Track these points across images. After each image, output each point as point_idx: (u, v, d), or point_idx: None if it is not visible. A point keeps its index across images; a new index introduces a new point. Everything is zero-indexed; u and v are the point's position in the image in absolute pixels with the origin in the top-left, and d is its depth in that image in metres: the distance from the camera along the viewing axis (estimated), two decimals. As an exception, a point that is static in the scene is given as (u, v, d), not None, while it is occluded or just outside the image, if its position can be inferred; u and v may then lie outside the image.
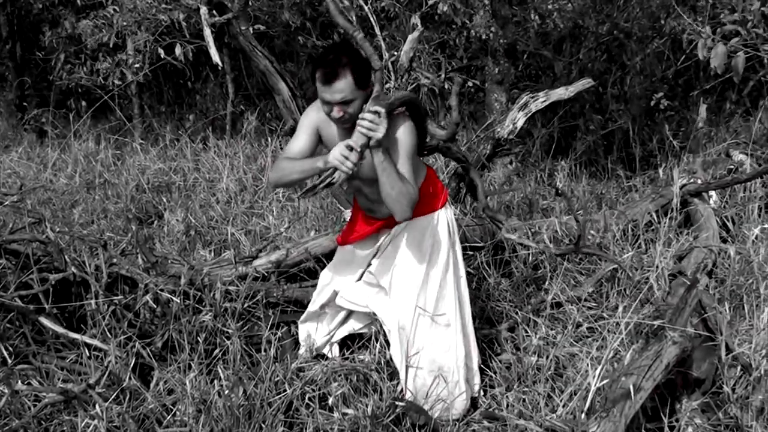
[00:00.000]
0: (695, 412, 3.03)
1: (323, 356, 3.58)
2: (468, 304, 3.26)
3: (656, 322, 3.34)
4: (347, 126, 2.81)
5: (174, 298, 3.54)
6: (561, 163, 6.61)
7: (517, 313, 3.81)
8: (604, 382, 2.91)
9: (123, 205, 5.69)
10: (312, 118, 2.99)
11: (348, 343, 3.65)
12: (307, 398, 3.17)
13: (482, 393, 3.30)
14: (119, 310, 3.47)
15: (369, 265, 3.33)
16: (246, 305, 3.82)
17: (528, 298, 4.06)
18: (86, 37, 7.44)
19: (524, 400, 3.19)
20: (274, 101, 4.97)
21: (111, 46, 7.42)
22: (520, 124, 4.68)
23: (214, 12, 5.00)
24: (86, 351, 3.22)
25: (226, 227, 5.01)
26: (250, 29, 5.06)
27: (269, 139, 7.05)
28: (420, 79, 6.79)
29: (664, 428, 2.98)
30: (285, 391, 3.13)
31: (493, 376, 3.40)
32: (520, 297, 4.05)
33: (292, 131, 4.57)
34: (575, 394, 3.09)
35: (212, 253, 4.59)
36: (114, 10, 7.21)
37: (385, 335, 3.39)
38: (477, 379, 3.26)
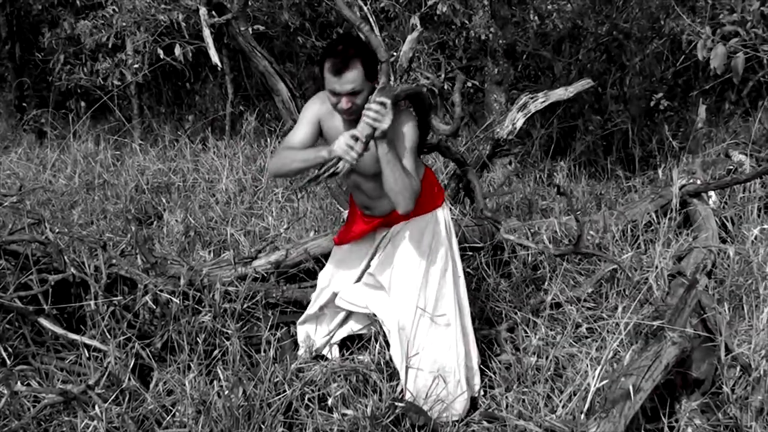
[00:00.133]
0: (695, 412, 3.03)
1: (323, 357, 3.58)
2: (467, 303, 3.26)
3: (656, 323, 3.34)
4: (352, 118, 2.80)
5: (173, 299, 3.54)
6: (560, 163, 6.62)
7: (516, 314, 3.81)
8: (604, 382, 2.91)
9: (122, 205, 5.69)
10: (314, 110, 2.98)
11: (347, 343, 3.65)
12: (306, 399, 3.17)
13: (482, 393, 3.30)
14: (119, 311, 3.47)
15: (368, 266, 3.33)
16: (245, 306, 3.82)
17: (527, 298, 4.06)
18: (85, 37, 7.43)
19: (524, 401, 3.18)
20: (274, 102, 4.96)
21: (110, 46, 7.42)
22: (519, 124, 4.68)
23: (213, 12, 4.99)
24: (86, 352, 3.22)
25: (225, 228, 5.01)
26: (250, 30, 5.06)
27: (268, 139, 7.06)
28: (419, 80, 6.78)
29: (664, 429, 2.97)
30: (284, 391, 3.13)
31: (493, 376, 3.40)
32: (519, 297, 4.05)
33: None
34: (575, 395, 3.09)
35: (211, 254, 4.59)
36: (113, 10, 7.21)
37: (384, 336, 3.39)
38: (477, 379, 3.26)
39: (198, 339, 3.41)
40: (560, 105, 6.72)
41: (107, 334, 3.35)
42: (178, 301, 3.55)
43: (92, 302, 3.42)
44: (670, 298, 3.74)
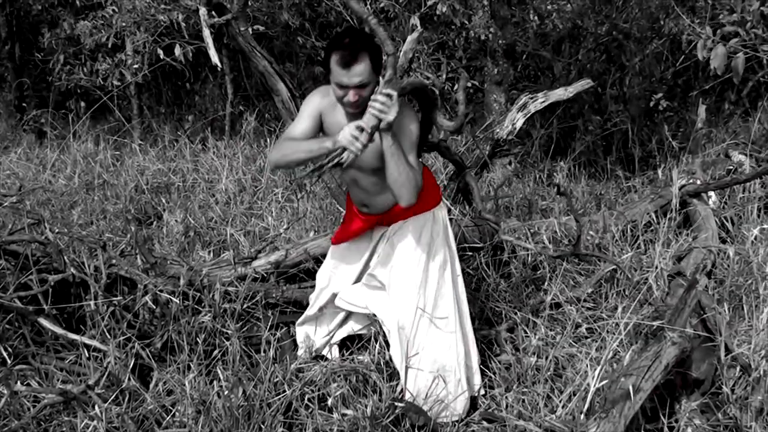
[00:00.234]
0: (694, 412, 3.03)
1: (322, 357, 3.58)
2: (465, 302, 3.26)
3: (655, 323, 3.34)
4: (357, 111, 2.78)
5: (173, 299, 3.54)
6: (560, 163, 6.62)
7: (516, 314, 3.81)
8: (604, 382, 2.91)
9: (122, 205, 5.69)
10: (315, 103, 2.97)
11: (347, 343, 3.65)
12: (306, 399, 3.17)
13: (482, 393, 3.30)
14: (118, 311, 3.47)
15: (367, 266, 3.33)
16: (245, 306, 3.82)
17: (527, 298, 4.06)
18: (85, 37, 7.43)
19: (523, 401, 3.18)
20: (273, 102, 4.96)
21: (110, 46, 7.42)
22: (519, 124, 4.69)
23: (213, 13, 4.99)
24: (85, 352, 3.22)
25: (225, 228, 5.01)
26: (249, 30, 5.06)
27: (268, 139, 7.06)
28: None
29: (664, 429, 2.97)
30: (284, 391, 3.13)
31: (493, 376, 3.40)
32: (519, 298, 4.05)
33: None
34: (574, 395, 3.09)
35: (211, 254, 4.59)
36: (113, 10, 7.20)
37: (384, 336, 3.39)
38: (477, 379, 3.26)
39: (198, 339, 3.41)
40: (560, 105, 6.71)
41: (107, 334, 3.35)
42: (178, 301, 3.55)
43: (92, 302, 3.42)
44: (670, 298, 3.75)
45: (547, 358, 3.39)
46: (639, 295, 3.83)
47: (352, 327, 3.60)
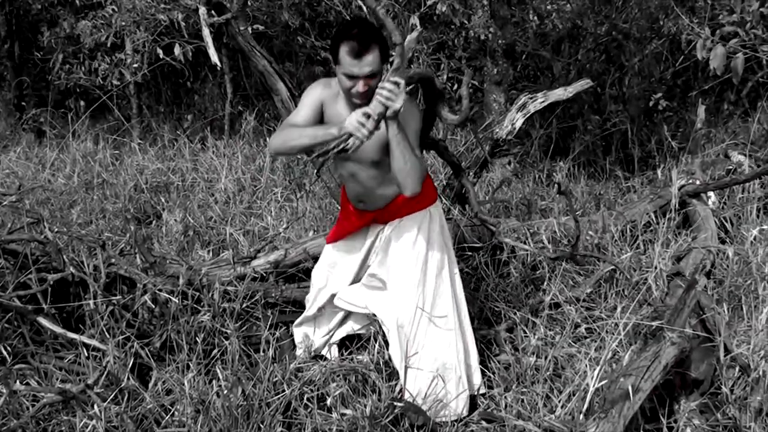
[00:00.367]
0: (694, 412, 3.03)
1: (322, 357, 3.58)
2: (464, 301, 3.26)
3: (655, 323, 3.34)
4: (364, 102, 2.78)
5: (172, 298, 3.54)
6: (559, 163, 6.61)
7: (515, 314, 3.81)
8: (603, 382, 2.90)
9: (121, 205, 5.69)
10: (317, 93, 2.97)
11: (347, 343, 3.65)
12: (305, 399, 3.17)
13: (482, 393, 3.29)
14: (118, 310, 3.47)
15: (363, 265, 3.33)
16: (244, 305, 3.82)
17: (526, 298, 4.06)
18: (85, 37, 7.42)
19: (523, 401, 3.18)
20: (273, 101, 4.96)
21: (109, 46, 7.41)
22: (518, 124, 4.68)
23: (212, 12, 4.99)
24: (84, 351, 3.22)
25: (224, 227, 5.01)
26: (249, 29, 5.05)
27: (267, 139, 7.04)
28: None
29: (663, 429, 2.97)
30: (283, 391, 3.13)
31: (492, 376, 3.40)
32: (518, 297, 4.05)
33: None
34: (574, 395, 3.09)
35: (211, 254, 4.59)
36: (113, 10, 7.20)
37: (383, 335, 3.39)
38: (477, 377, 3.26)
39: (197, 338, 3.41)
40: (559, 105, 6.71)
41: (106, 333, 3.35)
42: (177, 301, 3.55)
43: (91, 301, 3.42)
44: (669, 298, 3.75)
45: (546, 358, 3.39)
46: (638, 296, 3.83)
47: (352, 327, 3.59)
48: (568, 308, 3.86)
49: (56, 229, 4.11)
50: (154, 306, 3.56)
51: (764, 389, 3.08)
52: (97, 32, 7.32)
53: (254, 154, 6.97)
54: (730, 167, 5.79)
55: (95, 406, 2.84)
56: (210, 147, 7.15)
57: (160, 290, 3.58)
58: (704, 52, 4.32)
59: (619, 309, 3.66)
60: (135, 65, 7.75)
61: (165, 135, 7.81)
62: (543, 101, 4.68)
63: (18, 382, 3.01)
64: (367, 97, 2.74)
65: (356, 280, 3.39)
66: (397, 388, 3.19)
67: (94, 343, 3.25)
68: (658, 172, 6.06)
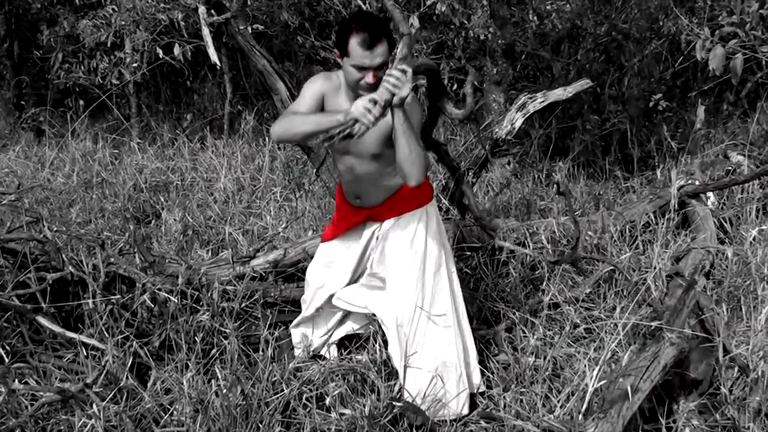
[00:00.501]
0: (692, 413, 3.03)
1: (321, 356, 3.57)
2: (461, 299, 3.26)
3: (654, 323, 3.34)
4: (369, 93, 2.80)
5: (171, 298, 3.54)
6: (559, 163, 6.61)
7: (514, 314, 3.81)
8: (602, 382, 2.90)
9: (120, 204, 5.69)
10: (318, 85, 2.97)
11: (345, 343, 3.64)
12: (304, 398, 3.17)
13: (482, 391, 3.29)
14: (117, 310, 3.47)
15: (359, 264, 3.33)
16: (243, 305, 3.82)
17: (525, 298, 4.06)
18: (84, 36, 7.42)
19: (522, 401, 3.18)
20: (272, 101, 4.96)
21: (109, 45, 7.41)
22: (518, 124, 4.67)
23: (212, 11, 4.99)
24: (83, 350, 3.22)
25: (223, 227, 5.00)
26: (249, 29, 5.05)
27: (267, 138, 7.05)
28: (418, 79, 6.78)
29: (662, 429, 2.98)
30: (282, 391, 3.13)
31: (491, 376, 3.40)
32: (517, 298, 4.05)
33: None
34: (573, 395, 3.09)
35: (210, 253, 4.59)
36: (112, 9, 7.20)
37: (383, 335, 3.39)
38: (477, 376, 3.26)
39: (196, 338, 3.41)
40: (559, 105, 6.71)
41: (105, 332, 3.35)
42: (176, 300, 3.55)
43: (90, 301, 3.42)
44: (669, 298, 3.75)
45: (545, 358, 3.39)
46: (638, 296, 3.83)
47: (351, 326, 3.59)
48: (567, 308, 3.86)
49: (55, 229, 4.11)
50: (153, 305, 3.56)
51: (763, 390, 3.08)
52: (97, 31, 7.32)
53: (253, 153, 6.97)
54: (730, 168, 5.79)
55: (94, 406, 2.84)
56: (209, 146, 7.15)
57: (159, 290, 3.58)
58: (704, 52, 4.32)
59: (618, 309, 3.66)
60: (134, 64, 7.76)
61: (164, 134, 7.81)
62: (542, 101, 4.67)
63: (17, 381, 3.01)
64: (374, 89, 2.74)
65: (353, 278, 3.39)
66: (396, 388, 3.18)
67: (93, 342, 3.25)
68: (658, 172, 6.06)
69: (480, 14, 6.99)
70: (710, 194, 5.19)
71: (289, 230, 4.87)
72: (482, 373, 3.35)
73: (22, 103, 9.44)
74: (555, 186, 5.83)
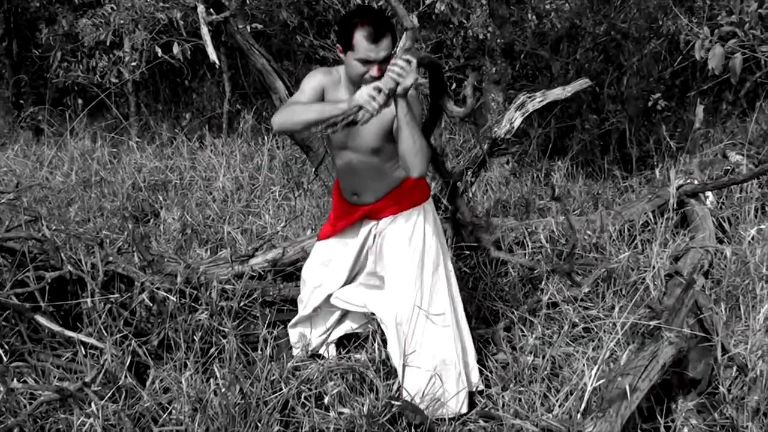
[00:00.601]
0: (691, 412, 3.04)
1: (319, 356, 3.57)
2: (459, 298, 3.26)
3: (652, 323, 3.34)
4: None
5: (170, 297, 3.54)
6: (557, 163, 6.61)
7: (513, 313, 3.81)
8: (601, 382, 2.91)
9: (119, 203, 5.69)
10: (318, 79, 2.97)
11: (344, 342, 3.64)
12: (303, 397, 3.16)
13: (480, 389, 3.30)
14: (115, 309, 3.47)
15: (356, 263, 3.33)
16: (242, 304, 3.82)
17: (524, 297, 4.06)
18: (83, 35, 7.42)
19: (520, 400, 3.18)
20: (271, 100, 4.96)
21: (108, 44, 7.40)
22: (517, 123, 4.67)
23: (211, 10, 4.98)
24: (82, 349, 3.22)
25: (222, 226, 5.00)
26: (248, 28, 5.06)
27: (266, 138, 7.05)
28: (417, 79, 6.77)
29: (660, 428, 2.98)
30: (281, 390, 3.13)
31: (489, 375, 3.40)
32: (516, 297, 4.05)
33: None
34: (571, 394, 3.09)
35: (208, 252, 4.58)
36: (111, 8, 7.19)
37: (381, 334, 3.39)
38: (475, 375, 3.26)
39: (195, 337, 3.40)
40: (558, 104, 6.72)
41: (104, 331, 3.34)
42: (175, 299, 3.55)
43: (89, 300, 3.42)
44: (667, 298, 3.75)
45: (544, 357, 3.39)
46: (636, 295, 3.83)
47: (349, 325, 3.58)
48: (565, 307, 3.86)
49: (54, 227, 4.11)
50: (151, 304, 3.56)
51: (761, 389, 3.08)
52: (96, 30, 7.31)
53: (252, 152, 6.97)
54: (728, 167, 5.80)
55: (92, 405, 2.84)
56: (208, 145, 7.14)
57: (157, 288, 3.58)
58: (703, 52, 4.32)
59: (616, 308, 3.66)
60: (133, 63, 7.75)
61: (163, 133, 7.81)
62: (541, 100, 4.66)
63: (15, 380, 3.01)
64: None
65: (350, 276, 3.38)
66: (395, 387, 3.18)
67: (91, 341, 3.25)
68: (656, 171, 6.06)
69: (479, 13, 6.97)
70: (709, 194, 5.19)
71: (288, 229, 4.87)
72: (480, 372, 3.35)
73: (21, 101, 9.44)
74: (550, 191, 5.83)
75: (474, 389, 3.25)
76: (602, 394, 2.81)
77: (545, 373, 3.32)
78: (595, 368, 2.94)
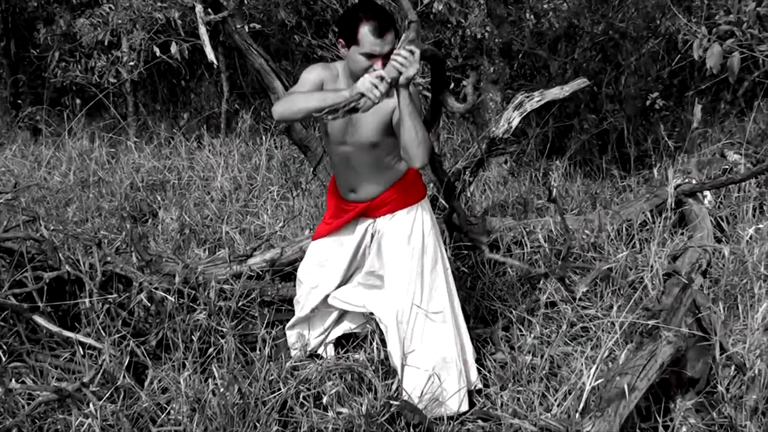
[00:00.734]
0: (689, 411, 3.04)
1: (317, 356, 3.57)
2: (456, 295, 3.26)
3: (651, 322, 3.35)
4: None
5: (168, 297, 3.54)
6: (556, 162, 6.61)
7: (511, 313, 3.81)
8: (599, 381, 2.91)
9: (117, 203, 5.68)
10: (317, 73, 2.97)
11: (342, 342, 3.64)
12: (301, 397, 3.16)
13: (479, 387, 3.30)
14: (113, 309, 3.47)
15: (353, 262, 3.33)
16: (240, 304, 3.82)
17: (522, 297, 4.06)
18: (81, 35, 7.41)
19: (519, 399, 3.19)
20: (269, 100, 4.95)
21: (106, 44, 7.40)
22: (515, 123, 4.67)
23: (209, 10, 4.98)
24: (80, 349, 3.21)
25: (220, 226, 5.00)
26: (246, 27, 5.05)
27: (264, 137, 7.05)
28: (416, 78, 6.78)
29: (659, 428, 2.98)
30: (279, 390, 3.12)
31: (488, 375, 3.40)
32: (514, 296, 4.05)
33: (286, 130, 4.57)
34: (570, 394, 3.09)
35: (207, 252, 4.58)
36: (109, 8, 7.19)
37: (380, 334, 3.39)
38: (474, 373, 3.26)
39: (193, 337, 3.40)
40: (556, 104, 6.72)
41: (102, 331, 3.34)
42: (173, 299, 3.54)
43: (87, 300, 3.42)
44: (666, 297, 3.75)
45: (542, 356, 3.40)
46: (635, 295, 3.83)
47: (348, 325, 3.58)
48: (564, 307, 3.86)
49: (52, 228, 4.11)
50: (150, 304, 3.56)
51: (760, 388, 3.08)
52: (94, 30, 7.31)
53: (250, 152, 6.97)
54: (726, 166, 5.80)
55: (91, 405, 2.84)
56: (206, 145, 7.14)
57: (156, 289, 3.58)
58: (701, 51, 4.32)
59: (615, 308, 3.66)
60: (131, 63, 7.75)
61: (161, 133, 7.80)
62: (539, 100, 4.66)
63: (13, 380, 3.01)
64: None
65: (346, 276, 3.38)
66: (394, 386, 3.18)
67: (89, 341, 3.25)
68: (655, 171, 6.05)
69: (477, 13, 6.98)
70: (707, 193, 5.19)
71: (286, 229, 4.87)
72: (479, 372, 3.35)
73: (19, 101, 9.43)
74: (547, 192, 5.83)
75: (472, 388, 3.25)
76: (601, 393, 2.82)
77: (544, 372, 3.33)
78: (594, 367, 2.94)
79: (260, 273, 4.04)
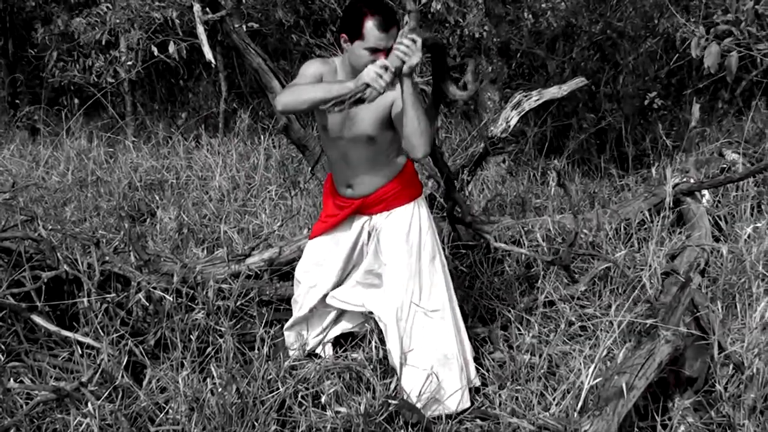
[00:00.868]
0: (688, 410, 3.04)
1: (316, 355, 3.57)
2: (453, 294, 3.26)
3: (649, 321, 3.35)
4: None
5: (167, 296, 3.54)
6: (554, 161, 6.62)
7: (509, 312, 3.81)
8: (597, 380, 2.91)
9: (115, 202, 5.68)
10: (316, 67, 2.97)
11: (341, 341, 3.64)
12: (300, 396, 3.16)
13: (478, 385, 3.30)
14: (112, 308, 3.47)
15: (350, 260, 3.32)
16: (239, 303, 3.81)
17: (521, 296, 4.06)
18: (79, 34, 7.41)
19: (517, 399, 3.19)
20: (267, 99, 4.96)
21: (104, 43, 7.39)
22: (513, 122, 4.68)
23: (207, 9, 4.97)
24: (78, 349, 3.21)
25: (218, 225, 5.00)
26: (244, 27, 5.04)
27: (262, 137, 7.05)
28: (414, 78, 6.77)
29: (657, 427, 2.98)
30: (278, 389, 3.12)
31: (486, 374, 3.40)
32: (512, 295, 4.05)
33: (285, 129, 4.57)
34: (568, 393, 3.09)
35: (205, 251, 4.58)
36: (107, 7, 7.18)
37: (379, 332, 3.38)
38: (472, 370, 3.27)
39: (191, 336, 3.40)
40: (554, 103, 6.72)
41: (100, 331, 3.34)
42: (172, 299, 3.54)
43: (85, 299, 3.41)
44: (664, 296, 3.75)
45: (540, 355, 3.40)
46: (633, 294, 3.83)
47: (346, 325, 3.58)
48: (562, 306, 3.86)
49: (50, 227, 4.11)
50: (148, 304, 3.56)
51: (758, 387, 3.09)
52: (92, 30, 7.30)
53: (248, 152, 6.96)
54: (724, 165, 5.80)
55: (89, 404, 2.84)
56: (204, 145, 7.14)
57: (154, 288, 3.58)
58: (698, 50, 4.32)
59: (613, 307, 3.66)
60: (129, 63, 7.74)
61: (159, 133, 7.80)
62: (538, 99, 4.67)
63: (12, 380, 3.00)
64: None
65: (344, 274, 3.37)
66: (393, 385, 3.18)
67: (88, 341, 3.24)
68: (653, 170, 6.06)
69: (475, 12, 6.98)
70: (705, 192, 5.20)
71: (285, 228, 4.87)
72: (477, 371, 3.35)
73: (17, 101, 9.42)
74: (555, 176, 5.82)
75: (471, 386, 3.25)
76: (599, 392, 2.82)
77: (542, 371, 3.33)
78: (592, 366, 2.94)
79: (258, 272, 4.04)
